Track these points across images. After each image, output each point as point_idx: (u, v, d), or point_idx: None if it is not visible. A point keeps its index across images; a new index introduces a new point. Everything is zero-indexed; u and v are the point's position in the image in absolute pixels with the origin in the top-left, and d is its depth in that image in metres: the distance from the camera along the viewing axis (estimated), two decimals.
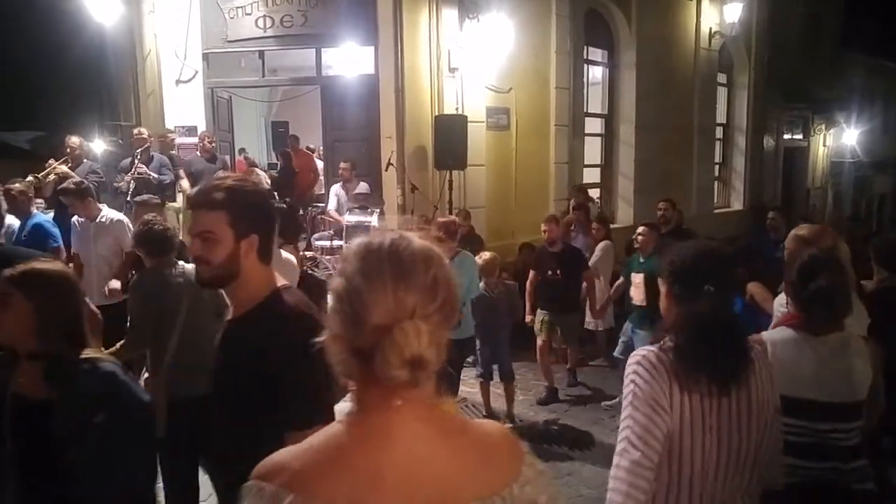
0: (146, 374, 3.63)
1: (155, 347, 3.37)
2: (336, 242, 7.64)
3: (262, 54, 8.80)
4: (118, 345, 3.45)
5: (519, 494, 1.08)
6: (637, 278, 5.66)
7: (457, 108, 8.20)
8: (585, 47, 10.44)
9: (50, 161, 7.26)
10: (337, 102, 8.69)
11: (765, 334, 2.37)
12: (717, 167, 14.14)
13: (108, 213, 5.61)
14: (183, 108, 8.75)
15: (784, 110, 16.07)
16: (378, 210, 7.50)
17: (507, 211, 8.70)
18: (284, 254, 4.51)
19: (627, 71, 11.11)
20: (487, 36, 8.16)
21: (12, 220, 5.68)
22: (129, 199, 7.35)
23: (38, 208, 6.20)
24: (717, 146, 14.06)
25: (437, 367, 1.02)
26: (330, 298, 1.08)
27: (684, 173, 12.23)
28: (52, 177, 6.99)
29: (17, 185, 5.85)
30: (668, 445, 1.75)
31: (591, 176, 11.01)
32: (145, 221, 3.64)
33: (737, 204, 14.37)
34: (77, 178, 6.30)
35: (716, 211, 13.52)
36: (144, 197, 5.98)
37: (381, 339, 0.98)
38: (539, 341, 6.13)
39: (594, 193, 10.51)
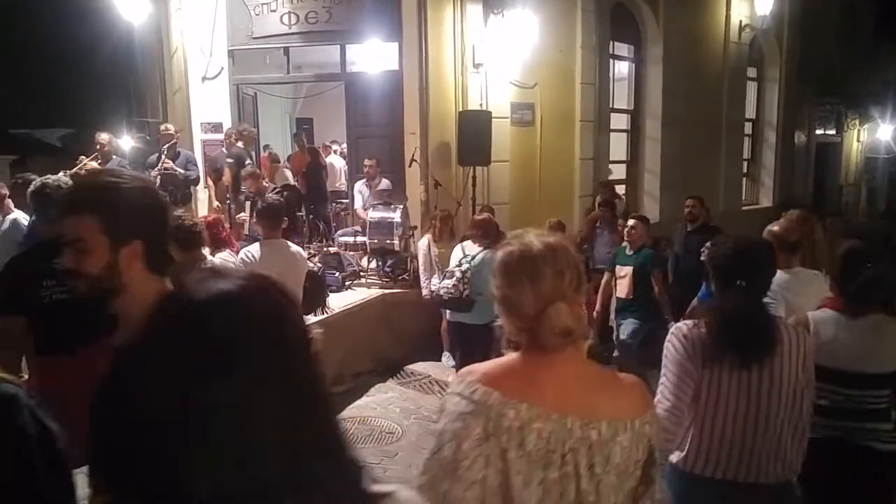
0: None
1: None
2: (360, 238, 7.66)
3: (286, 51, 8.86)
4: None
5: (639, 428, 1.45)
6: (623, 271, 5.59)
7: (481, 104, 8.16)
8: (611, 42, 10.31)
9: (80, 157, 7.39)
10: (361, 99, 8.72)
11: (809, 314, 2.71)
12: (745, 163, 13.89)
13: None
14: (209, 105, 8.85)
15: (816, 105, 15.75)
16: (401, 206, 7.49)
17: (531, 207, 8.63)
18: (293, 247, 4.56)
19: (654, 66, 10.96)
20: (512, 31, 8.10)
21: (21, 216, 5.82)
22: None
23: None
24: (746, 142, 13.81)
25: (581, 332, 1.49)
26: (496, 302, 1.54)
27: (711, 169, 12.04)
28: (82, 173, 7.10)
29: None
30: (696, 403, 2.17)
31: (617, 172, 10.88)
32: (175, 217, 3.76)
33: (766, 201, 14.10)
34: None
35: (744, 208, 13.29)
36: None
37: (537, 322, 1.42)
38: None
39: (619, 190, 10.39)
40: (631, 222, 5.72)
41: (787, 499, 2.25)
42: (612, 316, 6.15)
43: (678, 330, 2.23)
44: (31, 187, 3.30)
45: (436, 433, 1.44)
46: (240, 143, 8.17)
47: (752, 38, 12.88)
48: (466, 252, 5.48)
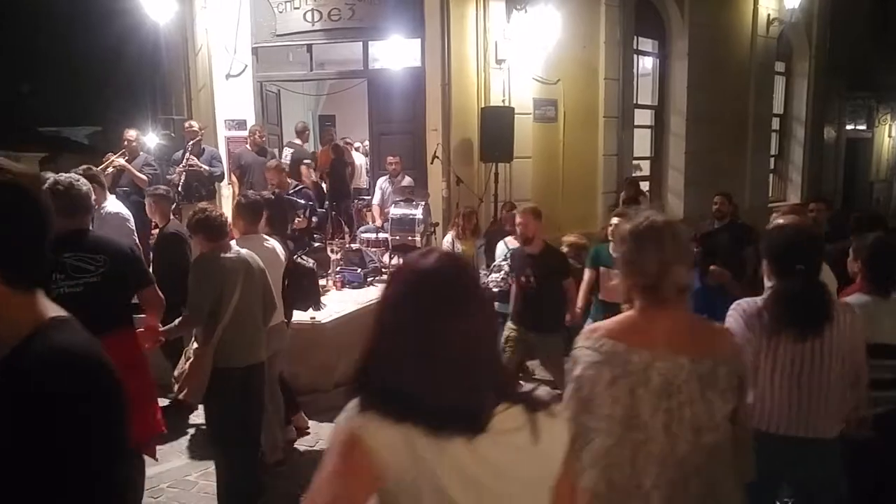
0: (195, 346, 3.86)
1: (208, 324, 3.63)
2: (381, 235, 7.66)
3: (309, 48, 8.89)
4: (177, 321, 3.75)
5: (732, 361, 1.85)
6: (612, 272, 4.83)
7: (503, 100, 8.12)
8: (635, 37, 10.21)
9: (108, 154, 7.49)
10: (383, 95, 8.72)
11: (847, 299, 2.93)
12: (772, 159, 13.67)
13: (110, 205, 5.73)
14: (233, 102, 8.91)
15: (847, 99, 15.45)
16: (423, 203, 7.48)
17: (554, 204, 8.58)
18: (270, 241, 4.57)
19: (679, 61, 10.82)
20: (535, 27, 8.05)
21: None
22: (180, 190, 7.54)
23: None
24: (774, 137, 13.60)
25: (689, 291, 1.91)
26: (619, 262, 1.93)
27: (737, 166, 11.86)
28: (110, 169, 7.20)
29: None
30: (755, 370, 2.43)
31: (641, 169, 10.79)
32: (202, 209, 3.85)
33: (793, 197, 13.86)
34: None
35: (770, 204, 13.08)
36: (161, 189, 6.04)
37: (661, 279, 1.81)
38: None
39: (643, 186, 10.29)
40: (614, 220, 5.07)
41: (834, 453, 2.51)
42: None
43: (738, 306, 2.52)
44: (45, 185, 3.34)
45: (573, 379, 1.87)
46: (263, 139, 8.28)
47: (781, 31, 12.66)
48: (510, 246, 5.60)
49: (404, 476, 1.21)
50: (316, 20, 8.47)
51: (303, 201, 6.95)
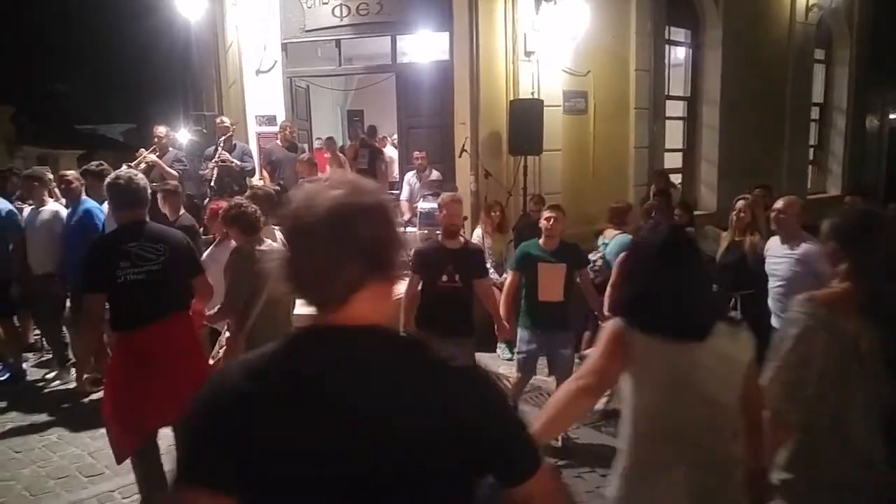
0: (226, 335, 4.05)
1: (242, 314, 3.81)
2: (410, 229, 7.65)
3: (338, 43, 8.91)
4: (213, 311, 3.99)
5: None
6: (549, 270, 4.71)
7: (532, 93, 8.03)
8: (667, 27, 10.02)
9: (140, 150, 7.61)
10: (412, 89, 8.70)
11: None
12: (811, 150, 13.33)
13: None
14: (263, 98, 8.98)
15: (890, 87, 14.96)
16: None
17: (584, 197, 8.47)
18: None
19: (713, 50, 10.59)
20: (564, 18, 7.93)
21: (59, 207, 6.02)
22: (212, 185, 7.62)
23: None
24: (813, 127, 13.25)
25: None
26: (838, 249, 2.21)
27: (774, 157, 11.59)
28: (142, 165, 7.31)
29: (71, 171, 6.23)
30: None
31: (673, 161, 10.60)
32: (237, 204, 4.05)
33: (833, 189, 13.51)
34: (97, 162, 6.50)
35: (809, 197, 12.76)
36: (167, 185, 6.11)
37: (868, 261, 2.20)
38: None
39: (675, 179, 10.12)
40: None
41: None
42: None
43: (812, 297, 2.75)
44: (107, 180, 3.63)
45: (791, 337, 2.12)
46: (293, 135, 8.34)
47: (820, 18, 12.31)
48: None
49: (649, 362, 2.02)
50: (344, 15, 8.48)
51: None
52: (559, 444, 4.62)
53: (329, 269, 1.12)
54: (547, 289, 4.69)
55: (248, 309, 3.79)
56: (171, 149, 7.80)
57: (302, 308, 1.32)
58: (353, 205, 1.14)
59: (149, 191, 3.67)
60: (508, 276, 5.01)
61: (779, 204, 4.61)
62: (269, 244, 3.99)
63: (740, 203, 5.23)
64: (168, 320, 3.51)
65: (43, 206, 6.06)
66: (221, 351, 4.05)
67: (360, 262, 1.13)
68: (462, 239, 4.62)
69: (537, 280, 4.69)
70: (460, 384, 1.19)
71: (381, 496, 1.12)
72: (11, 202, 6.55)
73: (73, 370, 6.11)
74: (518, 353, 4.92)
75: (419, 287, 4.49)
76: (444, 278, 4.39)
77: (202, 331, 4.06)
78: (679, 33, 10.57)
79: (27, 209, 6.38)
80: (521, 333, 4.85)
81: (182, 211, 5.80)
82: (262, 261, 3.78)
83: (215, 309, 4.00)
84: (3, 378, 6.21)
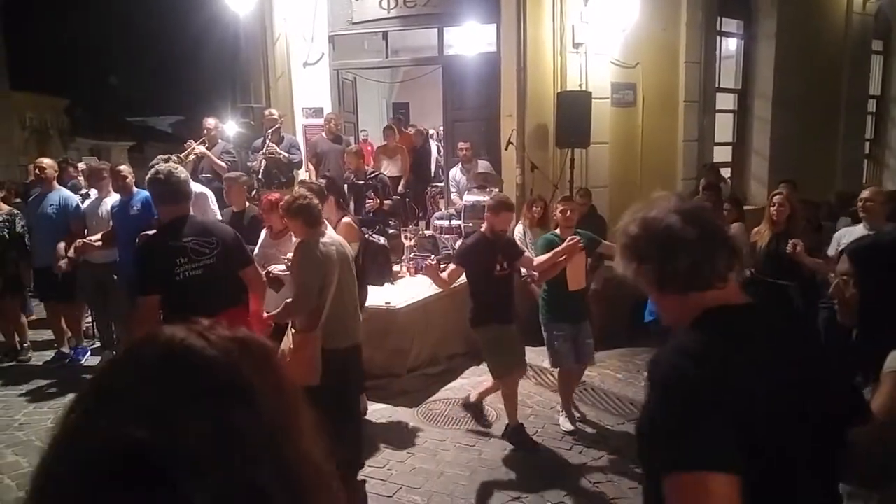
0: (292, 331, 3.94)
1: (316, 309, 3.77)
2: (455, 222, 7.66)
3: (385, 35, 8.93)
4: (284, 304, 3.84)
5: None
6: (575, 260, 4.89)
7: (580, 85, 7.94)
8: (719, 18, 9.80)
9: (189, 142, 7.75)
10: (458, 81, 8.69)
11: None
12: (867, 144, 12.90)
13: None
14: (310, 90, 9.06)
15: None
16: (497, 190, 7.42)
17: (632, 190, 8.34)
18: (347, 219, 4.89)
19: (766, 42, 10.31)
20: (613, 9, 7.82)
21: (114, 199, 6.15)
22: (260, 177, 7.73)
23: None
24: (869, 121, 12.82)
25: None
26: None
27: (828, 151, 11.23)
28: (191, 157, 7.45)
29: (123, 165, 6.37)
30: None
31: (722, 155, 10.37)
32: (302, 195, 3.94)
33: (890, 184, 12.99)
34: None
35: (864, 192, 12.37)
36: (234, 174, 6.23)
37: None
38: None
39: (724, 173, 9.91)
40: (561, 207, 5.24)
41: None
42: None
43: None
44: (148, 175, 3.58)
45: None
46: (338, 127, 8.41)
47: (878, 7, 11.88)
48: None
49: None
50: (391, 7, 8.50)
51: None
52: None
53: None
54: (575, 278, 4.95)
55: (321, 303, 3.76)
56: (220, 140, 7.94)
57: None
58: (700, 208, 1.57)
59: (190, 184, 3.63)
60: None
61: (865, 193, 5.09)
62: (329, 236, 3.98)
63: (778, 198, 5.60)
64: (226, 314, 3.44)
65: (108, 196, 6.23)
66: (288, 350, 3.86)
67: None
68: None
69: (565, 271, 4.90)
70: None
71: (833, 438, 1.39)
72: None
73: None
74: (554, 346, 5.03)
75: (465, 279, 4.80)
76: (498, 268, 4.69)
77: (267, 331, 3.85)
78: (731, 24, 10.32)
79: (88, 200, 6.56)
80: (554, 327, 5.03)
81: (248, 204, 5.91)
82: (327, 254, 3.77)
83: (280, 307, 3.88)
84: (68, 361, 6.45)
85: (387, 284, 6.39)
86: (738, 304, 1.45)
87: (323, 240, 3.86)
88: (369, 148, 10.28)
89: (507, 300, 4.82)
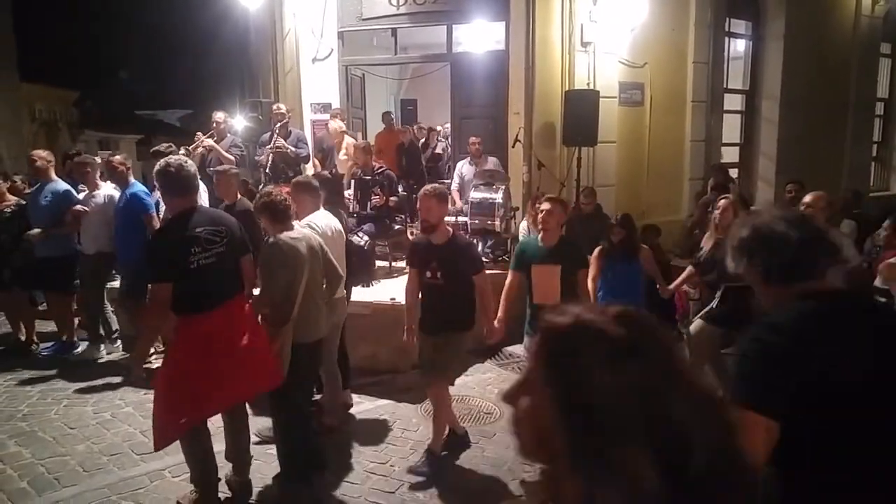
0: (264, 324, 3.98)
1: (283, 305, 3.72)
2: (461, 219, 7.66)
3: (394, 32, 8.96)
4: (253, 298, 3.91)
5: None
6: (542, 270, 4.36)
7: (588, 84, 7.96)
8: (727, 19, 9.80)
9: (197, 135, 7.79)
10: (466, 79, 8.70)
11: None
12: (875, 146, 12.88)
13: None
14: (319, 86, 9.09)
15: None
16: (503, 187, 7.43)
17: (639, 190, 8.38)
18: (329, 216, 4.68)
19: (774, 43, 10.31)
20: (622, 9, 7.85)
21: (112, 190, 6.20)
22: (267, 171, 7.76)
23: None
24: (877, 123, 12.79)
25: None
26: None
27: (835, 153, 11.23)
28: (199, 150, 7.49)
29: (117, 156, 6.42)
30: None
31: (730, 155, 10.38)
32: (267, 192, 3.97)
33: None
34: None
35: (871, 194, 12.33)
36: (222, 167, 6.23)
37: None
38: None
39: (732, 173, 9.91)
40: (545, 205, 4.53)
41: None
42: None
43: None
44: (156, 167, 3.61)
45: None
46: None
47: (887, 10, 11.85)
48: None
49: None
50: (401, 4, 8.52)
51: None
52: None
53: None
54: (541, 291, 4.38)
55: (287, 300, 3.67)
56: (228, 134, 7.97)
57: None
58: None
59: (198, 177, 3.69)
60: (508, 277, 4.63)
61: (807, 198, 4.94)
62: (298, 231, 3.93)
63: (723, 202, 5.06)
64: (233, 301, 3.60)
65: (97, 189, 6.29)
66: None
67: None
68: (449, 233, 4.29)
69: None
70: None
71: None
72: (76, 185, 6.80)
73: (102, 346, 6.44)
74: (519, 360, 4.74)
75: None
76: (428, 274, 4.23)
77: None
78: (739, 25, 10.32)
79: (81, 194, 6.61)
80: (525, 340, 4.58)
81: (239, 196, 5.92)
82: (297, 250, 3.72)
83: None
84: (63, 354, 6.49)
85: (386, 283, 6.40)
86: (829, 291, 1.69)
87: (291, 234, 3.82)
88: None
89: (441, 308, 4.21)
